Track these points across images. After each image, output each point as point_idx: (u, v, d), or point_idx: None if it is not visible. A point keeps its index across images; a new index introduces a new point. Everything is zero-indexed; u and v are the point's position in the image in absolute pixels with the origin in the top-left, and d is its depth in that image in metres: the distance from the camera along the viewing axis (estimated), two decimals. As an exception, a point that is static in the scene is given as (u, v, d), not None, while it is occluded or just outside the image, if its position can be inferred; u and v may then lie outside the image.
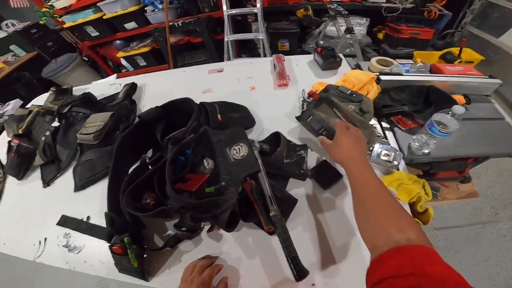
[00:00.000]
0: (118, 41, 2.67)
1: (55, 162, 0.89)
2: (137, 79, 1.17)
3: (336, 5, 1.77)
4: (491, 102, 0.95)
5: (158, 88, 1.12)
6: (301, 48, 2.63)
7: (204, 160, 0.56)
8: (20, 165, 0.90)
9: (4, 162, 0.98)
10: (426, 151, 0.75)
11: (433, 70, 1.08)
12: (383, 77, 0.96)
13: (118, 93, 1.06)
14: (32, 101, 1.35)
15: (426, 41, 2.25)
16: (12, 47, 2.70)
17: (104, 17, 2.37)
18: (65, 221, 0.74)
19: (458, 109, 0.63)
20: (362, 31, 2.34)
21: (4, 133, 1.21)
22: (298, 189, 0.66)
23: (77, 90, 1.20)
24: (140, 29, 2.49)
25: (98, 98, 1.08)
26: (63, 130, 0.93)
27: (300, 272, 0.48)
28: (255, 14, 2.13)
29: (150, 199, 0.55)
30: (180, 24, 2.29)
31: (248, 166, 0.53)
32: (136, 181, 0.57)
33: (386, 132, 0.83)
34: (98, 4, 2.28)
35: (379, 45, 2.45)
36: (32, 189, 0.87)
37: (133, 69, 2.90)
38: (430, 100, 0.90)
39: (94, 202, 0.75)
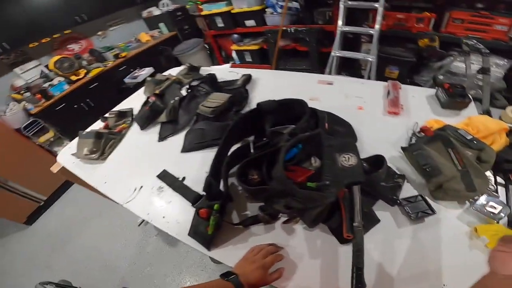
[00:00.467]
0: (235, 35, 3.04)
1: (173, 123, 1.09)
2: (250, 72, 1.31)
3: (475, 41, 1.55)
4: None
5: (269, 84, 1.23)
6: (411, 79, 2.41)
7: (312, 158, 0.61)
8: (148, 117, 1.14)
9: (135, 113, 1.26)
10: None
11: None
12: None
13: (236, 80, 1.23)
14: (168, 70, 1.67)
15: None
16: (161, 24, 3.42)
17: (232, 11, 2.74)
18: (164, 176, 0.87)
19: None
20: (498, 74, 1.97)
21: (142, 89, 1.56)
22: (384, 212, 0.65)
23: (202, 70, 1.45)
24: (257, 27, 2.76)
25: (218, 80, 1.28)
26: (188, 99, 1.14)
27: (358, 283, 0.48)
28: (370, 35, 2.07)
29: (256, 176, 0.64)
30: (293, 31, 2.43)
31: (355, 175, 0.56)
32: (248, 158, 0.66)
33: (499, 187, 0.71)
34: None
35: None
36: (147, 141, 1.07)
37: (239, 62, 3.25)
38: None
39: (193, 167, 0.87)
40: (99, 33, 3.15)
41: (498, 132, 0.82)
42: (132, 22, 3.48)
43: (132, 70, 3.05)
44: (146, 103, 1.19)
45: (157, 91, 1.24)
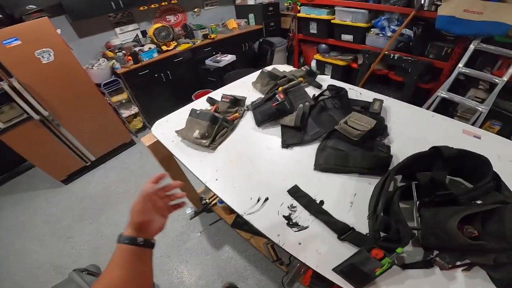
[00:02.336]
0: (323, 45, 2.95)
1: (301, 130, 1.00)
2: (375, 95, 1.20)
3: None
4: None
5: (403, 116, 1.10)
6: (509, 138, 2.13)
7: None
8: (271, 115, 1.06)
9: (248, 102, 1.17)
10: None
11: None
12: None
13: (370, 103, 1.11)
14: (277, 66, 1.59)
15: None
16: (250, 15, 3.45)
17: (332, 21, 2.63)
18: (296, 193, 0.77)
19: None
20: None
21: (247, 78, 1.50)
22: None
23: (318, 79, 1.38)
24: (353, 44, 2.63)
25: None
26: (319, 108, 1.05)
27: None
28: (490, 84, 1.86)
29: (473, 231, 0.55)
30: (396, 57, 2.28)
31: None
32: (469, 212, 0.57)
33: None
34: (335, 8, 2.55)
35: None
36: (265, 141, 1.00)
37: (319, 73, 3.15)
38: None
39: (329, 190, 0.78)
40: (195, 9, 3.26)
41: None
42: (224, 6, 3.56)
43: (214, 53, 3.12)
44: (270, 98, 1.11)
45: (280, 88, 1.16)
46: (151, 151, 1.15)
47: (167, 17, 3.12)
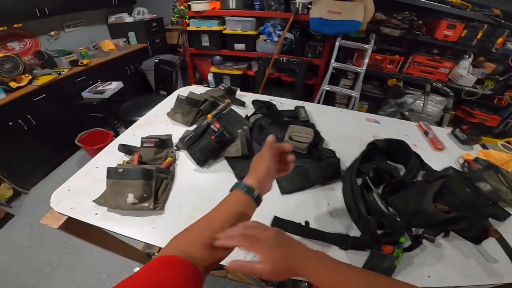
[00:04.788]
0: (217, 57, 2.97)
1: (250, 158, 0.92)
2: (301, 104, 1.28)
3: (441, 85, 2.01)
4: None
5: (323, 120, 1.21)
6: (375, 112, 2.88)
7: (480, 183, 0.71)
8: (212, 151, 0.93)
9: (175, 138, 1.00)
10: None
11: None
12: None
13: (299, 112, 1.17)
14: (189, 88, 1.45)
15: (490, 127, 2.45)
16: (130, 33, 3.02)
17: (224, 31, 2.65)
18: (279, 223, 0.73)
19: None
20: (438, 110, 2.57)
21: (158, 108, 1.29)
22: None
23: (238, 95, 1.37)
24: (246, 52, 2.76)
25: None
26: (258, 129, 1.02)
27: None
28: (355, 73, 2.42)
29: (444, 207, 0.67)
30: (285, 61, 2.57)
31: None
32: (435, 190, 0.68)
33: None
34: (226, 18, 2.60)
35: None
36: (214, 180, 0.89)
37: (214, 86, 3.15)
38: None
39: (307, 208, 0.78)
40: (52, 32, 2.53)
41: (510, 160, 1.10)
42: (93, 26, 2.95)
43: (92, 82, 2.55)
44: (205, 130, 0.97)
45: (210, 116, 1.04)
46: (68, 233, 0.79)
47: (8, 44, 2.28)
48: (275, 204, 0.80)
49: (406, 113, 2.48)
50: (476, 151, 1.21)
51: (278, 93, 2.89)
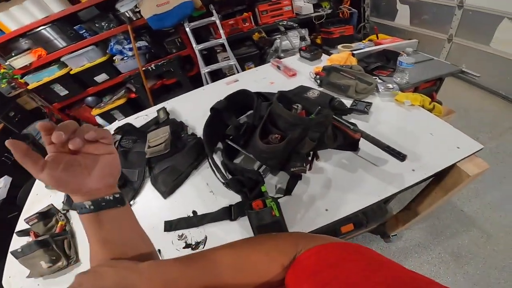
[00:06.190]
0: (90, 98, 2.68)
1: (127, 184, 0.92)
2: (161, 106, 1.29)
3: (285, 22, 2.23)
4: (419, 53, 1.42)
5: (188, 107, 1.27)
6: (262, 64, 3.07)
7: (294, 105, 0.74)
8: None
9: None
10: (404, 81, 1.12)
11: (376, 44, 1.54)
12: (355, 52, 1.36)
13: (156, 118, 1.18)
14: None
15: (350, 36, 2.87)
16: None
17: (71, 72, 2.34)
18: (171, 225, 0.76)
19: (407, 49, 1.07)
20: (307, 40, 2.89)
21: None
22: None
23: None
24: (113, 80, 2.55)
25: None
26: (123, 155, 1.00)
27: (400, 154, 0.66)
28: (222, 45, 2.48)
29: (276, 136, 0.70)
30: (154, 67, 2.46)
31: (324, 99, 0.82)
32: (257, 128, 0.74)
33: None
34: (62, 59, 2.28)
35: (321, 48, 3.04)
36: None
37: (108, 124, 2.88)
38: (389, 57, 1.32)
39: (191, 199, 0.81)
40: None
41: (348, 57, 1.32)
42: None
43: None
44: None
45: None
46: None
47: None
48: (162, 210, 0.82)
49: (282, 54, 2.70)
50: (324, 62, 1.41)
51: (170, 99, 2.82)
